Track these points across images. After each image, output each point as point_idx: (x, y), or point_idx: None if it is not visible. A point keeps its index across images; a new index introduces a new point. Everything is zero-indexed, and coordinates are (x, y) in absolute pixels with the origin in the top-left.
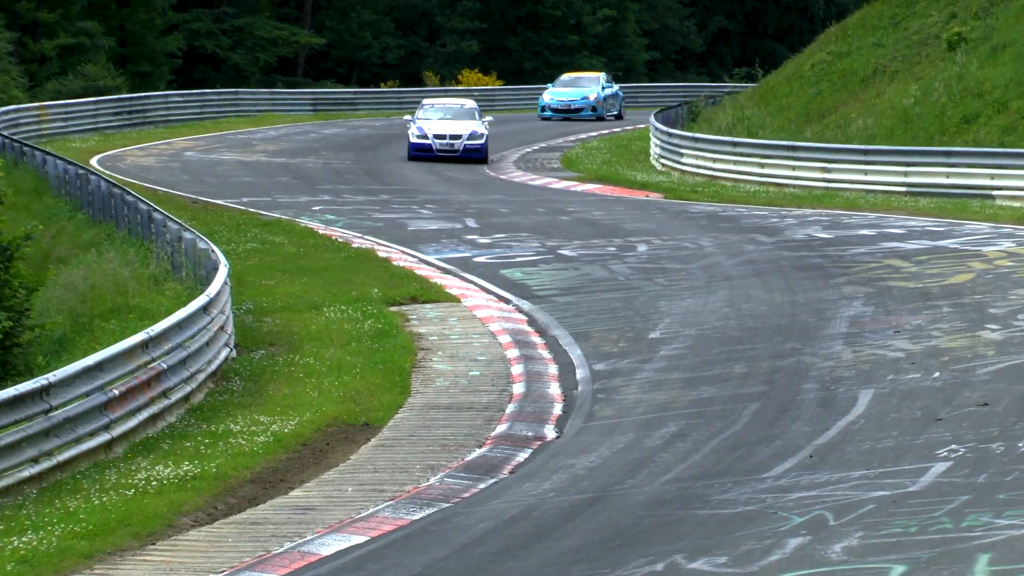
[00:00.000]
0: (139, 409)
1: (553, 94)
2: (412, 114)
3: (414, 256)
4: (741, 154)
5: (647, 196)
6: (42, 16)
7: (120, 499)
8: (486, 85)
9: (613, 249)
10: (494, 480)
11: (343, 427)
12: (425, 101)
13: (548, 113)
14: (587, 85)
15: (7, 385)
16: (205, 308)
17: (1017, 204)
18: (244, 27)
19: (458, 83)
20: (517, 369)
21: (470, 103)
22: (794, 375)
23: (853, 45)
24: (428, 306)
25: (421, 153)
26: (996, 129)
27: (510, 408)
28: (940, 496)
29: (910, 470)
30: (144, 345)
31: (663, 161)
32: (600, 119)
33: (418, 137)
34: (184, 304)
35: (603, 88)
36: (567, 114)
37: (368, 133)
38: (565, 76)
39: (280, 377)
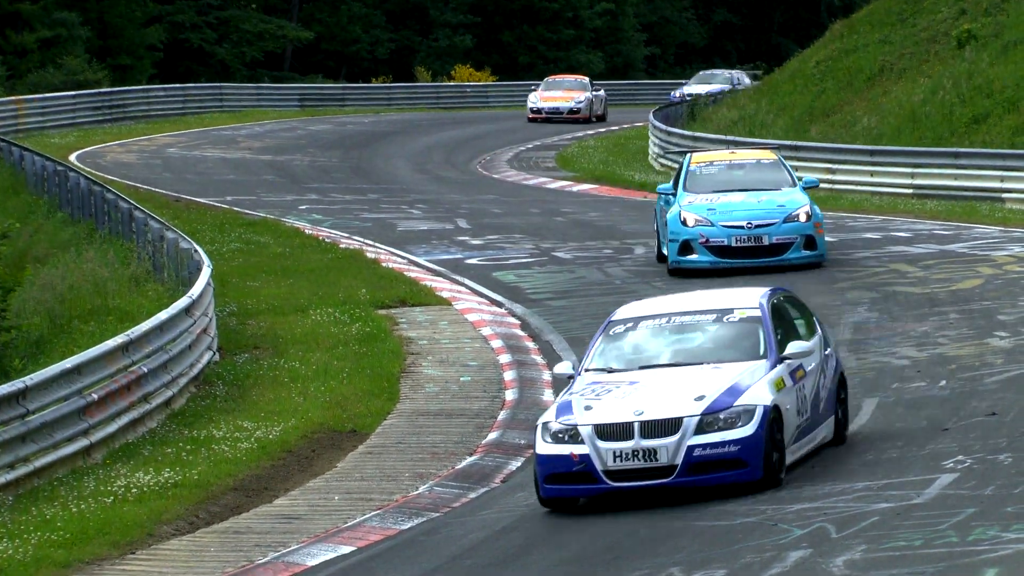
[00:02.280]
0: (119, 414)
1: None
2: None
3: (403, 257)
4: None
5: (645, 197)
6: (23, 8)
7: (98, 507)
8: (479, 81)
9: (609, 251)
10: (485, 489)
11: (329, 434)
12: None
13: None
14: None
15: None
16: (187, 310)
17: None
18: (229, 20)
19: (450, 79)
20: (509, 375)
21: None
22: None
23: (859, 42)
24: (418, 309)
25: None
26: (1007, 129)
27: (502, 415)
28: (946, 509)
29: (915, 482)
30: (124, 348)
31: (662, 161)
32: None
33: None
34: (166, 306)
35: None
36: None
37: (357, 130)
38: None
39: (264, 382)
